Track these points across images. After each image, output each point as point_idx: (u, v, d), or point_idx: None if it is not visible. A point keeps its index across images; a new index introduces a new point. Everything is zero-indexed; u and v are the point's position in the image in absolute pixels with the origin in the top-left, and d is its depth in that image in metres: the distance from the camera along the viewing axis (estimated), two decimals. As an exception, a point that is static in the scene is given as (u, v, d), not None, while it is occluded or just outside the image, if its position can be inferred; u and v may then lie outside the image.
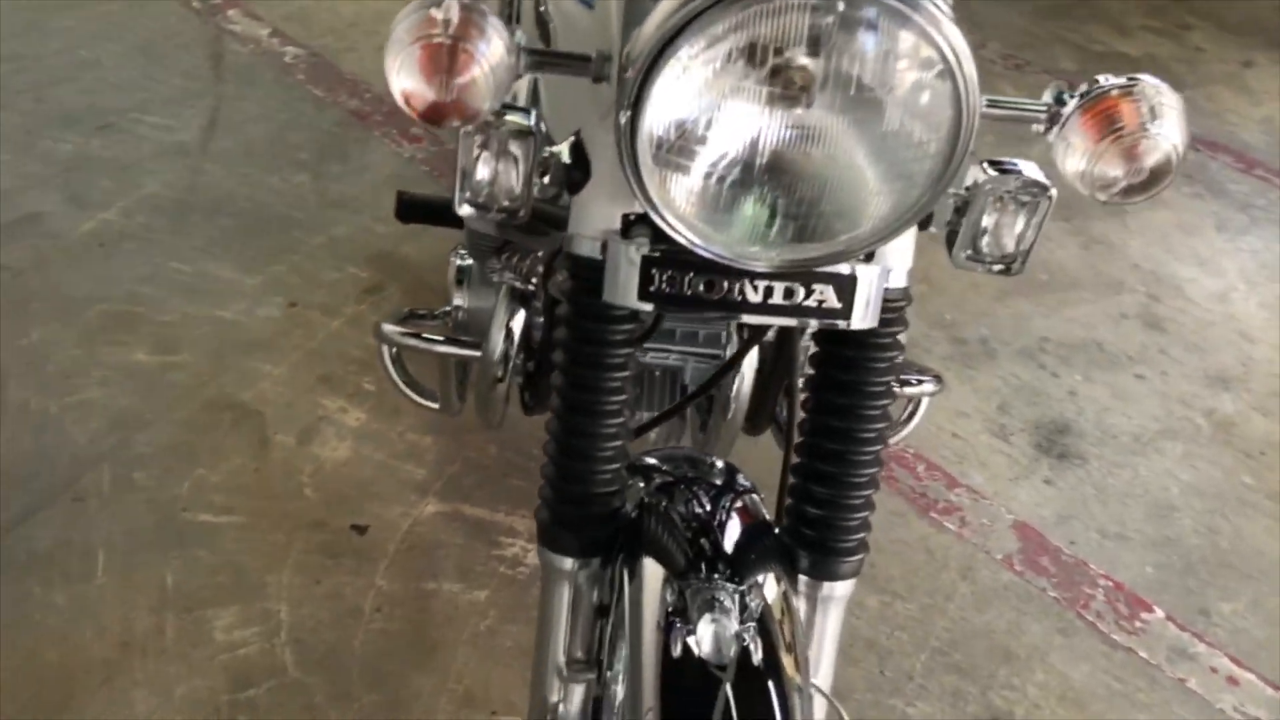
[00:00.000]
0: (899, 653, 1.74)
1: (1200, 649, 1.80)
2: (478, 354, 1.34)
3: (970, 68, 0.70)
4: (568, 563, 0.94)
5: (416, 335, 1.41)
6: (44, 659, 1.57)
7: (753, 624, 0.83)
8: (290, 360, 2.08)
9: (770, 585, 0.90)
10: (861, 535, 0.95)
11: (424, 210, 1.81)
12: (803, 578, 0.95)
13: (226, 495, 1.82)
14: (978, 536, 1.95)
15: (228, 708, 1.54)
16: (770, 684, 0.83)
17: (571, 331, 0.89)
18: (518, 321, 1.29)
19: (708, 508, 0.95)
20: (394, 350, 1.46)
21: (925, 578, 1.86)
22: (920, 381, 1.47)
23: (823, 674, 0.97)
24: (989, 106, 0.77)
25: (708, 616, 0.82)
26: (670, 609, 0.85)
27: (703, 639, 0.81)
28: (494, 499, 1.88)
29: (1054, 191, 0.87)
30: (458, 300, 1.46)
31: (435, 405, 1.53)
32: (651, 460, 1.02)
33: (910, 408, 1.59)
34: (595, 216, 0.85)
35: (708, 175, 0.73)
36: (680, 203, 0.75)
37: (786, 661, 0.85)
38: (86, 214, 2.35)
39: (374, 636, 1.65)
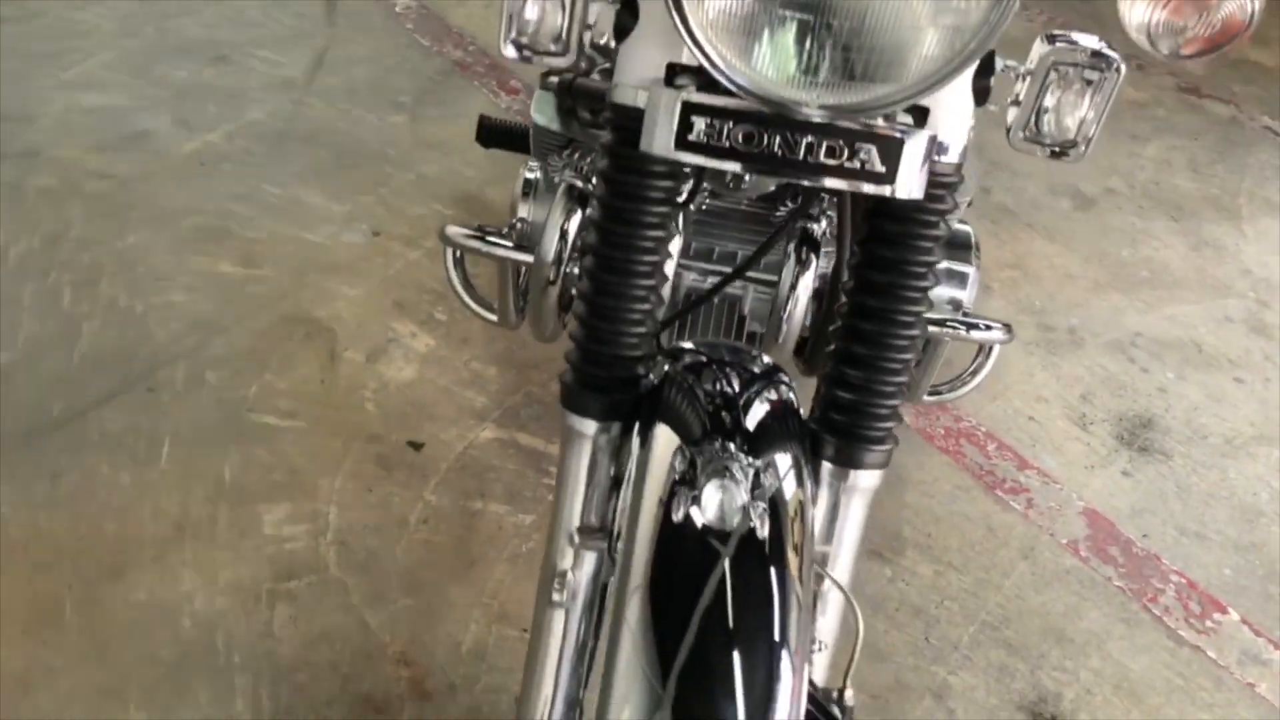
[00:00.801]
0: (947, 622, 1.68)
1: (1275, 655, 1.70)
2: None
3: None
4: (589, 426, 0.93)
5: (479, 238, 1.41)
6: (104, 531, 1.62)
7: (763, 502, 0.80)
8: (368, 284, 2.12)
9: (790, 469, 0.86)
10: (890, 425, 0.91)
11: (503, 135, 1.83)
12: (828, 465, 0.91)
13: (291, 401, 1.86)
14: (1044, 519, 1.87)
15: (268, 596, 1.57)
16: (773, 567, 0.80)
17: (608, 185, 0.88)
18: (574, 222, 1.28)
19: (735, 388, 0.92)
20: (457, 254, 1.46)
21: (983, 553, 1.79)
22: (989, 327, 1.42)
23: (840, 567, 0.94)
24: None
25: (715, 483, 0.79)
26: (678, 477, 0.82)
27: (707, 505, 0.79)
28: (550, 431, 1.87)
29: (1122, 67, 0.82)
30: (522, 212, 1.46)
31: (493, 316, 1.53)
32: (688, 344, 1.00)
33: (979, 359, 1.54)
34: (640, 64, 0.84)
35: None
36: (718, 26, 0.73)
37: (794, 547, 0.82)
38: (192, 135, 2.44)
39: (416, 546, 1.67)
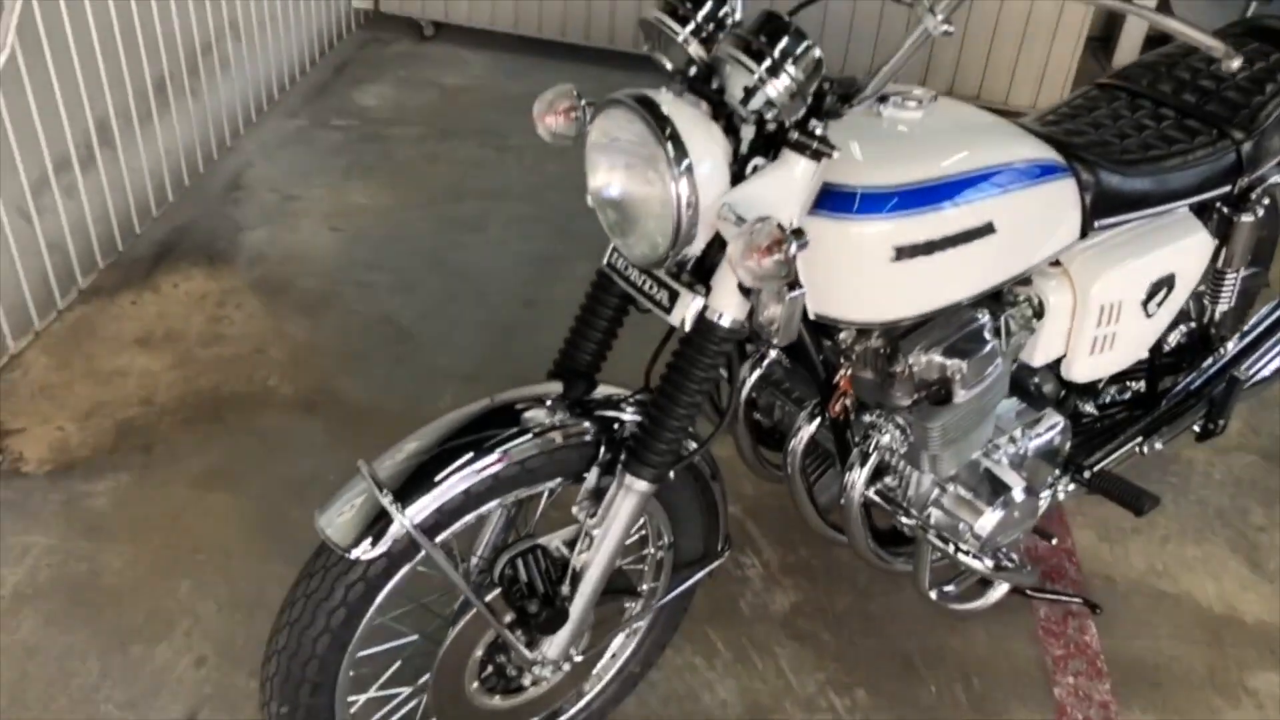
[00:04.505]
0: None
1: None
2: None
3: (684, 195, 1.32)
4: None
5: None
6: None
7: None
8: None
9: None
10: (665, 460, 1.50)
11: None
12: (619, 467, 1.54)
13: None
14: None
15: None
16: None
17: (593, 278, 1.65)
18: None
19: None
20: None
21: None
22: (976, 557, 1.75)
23: (599, 535, 1.55)
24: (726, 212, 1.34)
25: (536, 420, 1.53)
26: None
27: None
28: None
29: (799, 292, 1.36)
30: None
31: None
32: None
33: (989, 588, 1.84)
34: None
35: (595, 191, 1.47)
36: (595, 200, 1.48)
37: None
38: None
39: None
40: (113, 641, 2.12)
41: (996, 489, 1.79)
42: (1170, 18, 1.23)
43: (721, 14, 1.40)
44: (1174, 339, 2.34)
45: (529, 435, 1.52)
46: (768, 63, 1.28)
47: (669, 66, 1.43)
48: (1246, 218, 2.09)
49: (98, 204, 3.04)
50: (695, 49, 1.38)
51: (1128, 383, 2.27)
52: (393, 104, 4.18)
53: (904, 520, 1.81)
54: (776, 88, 1.29)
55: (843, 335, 1.67)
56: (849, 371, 1.67)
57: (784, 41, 1.29)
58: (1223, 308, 2.25)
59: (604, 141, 1.43)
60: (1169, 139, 1.99)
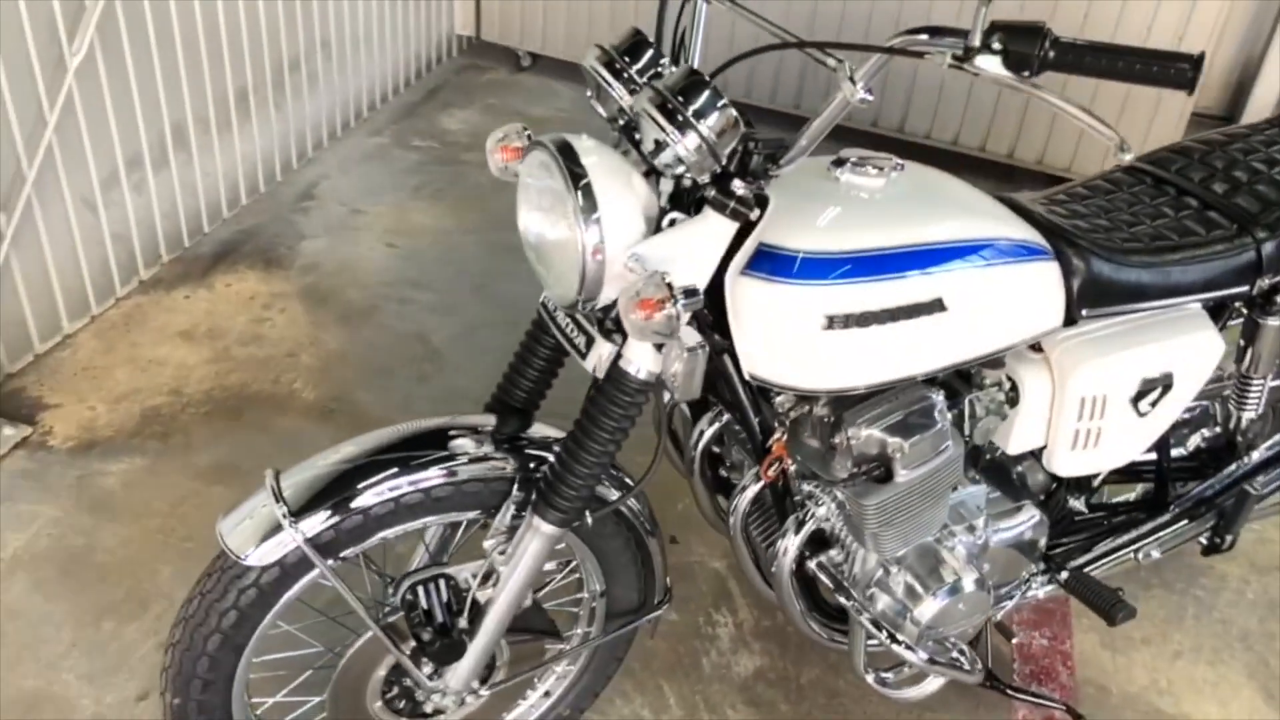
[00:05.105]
0: None
1: None
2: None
3: (590, 243, 1.31)
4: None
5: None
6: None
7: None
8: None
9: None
10: (573, 505, 1.49)
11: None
12: (529, 509, 1.54)
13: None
14: None
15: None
16: None
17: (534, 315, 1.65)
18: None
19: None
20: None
21: None
22: (909, 648, 1.68)
23: (505, 573, 1.54)
24: (633, 262, 1.32)
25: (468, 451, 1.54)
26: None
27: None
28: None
29: (701, 350, 1.34)
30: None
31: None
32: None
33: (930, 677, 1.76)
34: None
35: (521, 230, 1.47)
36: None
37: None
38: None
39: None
40: (89, 615, 2.21)
41: (943, 577, 1.71)
42: (1069, 103, 1.16)
43: (661, 65, 1.40)
44: (1193, 443, 2.20)
45: (442, 465, 1.53)
46: (678, 119, 1.27)
47: (603, 114, 1.43)
48: (1273, 321, 1.96)
49: (167, 201, 3.21)
50: (628, 101, 1.39)
51: (1133, 483, 2.14)
52: (475, 130, 4.29)
53: (840, 598, 1.74)
54: (686, 145, 1.28)
55: (779, 399, 1.63)
56: (783, 436, 1.63)
57: (699, 100, 1.28)
58: (1249, 415, 2.10)
59: (528, 182, 1.44)
60: (1183, 230, 1.88)
